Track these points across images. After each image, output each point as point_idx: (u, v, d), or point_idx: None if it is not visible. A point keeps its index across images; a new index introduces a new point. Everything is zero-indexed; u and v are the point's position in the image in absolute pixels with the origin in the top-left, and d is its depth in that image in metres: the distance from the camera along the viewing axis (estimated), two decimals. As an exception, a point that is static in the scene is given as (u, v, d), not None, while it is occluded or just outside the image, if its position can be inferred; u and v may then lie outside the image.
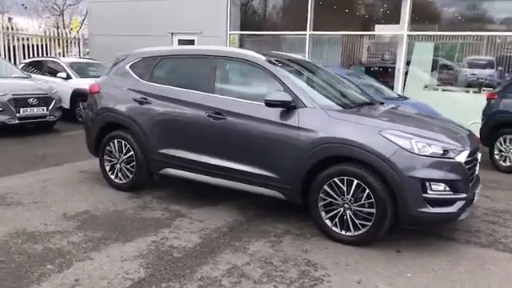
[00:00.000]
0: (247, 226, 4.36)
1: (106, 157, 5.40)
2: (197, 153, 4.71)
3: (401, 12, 10.39)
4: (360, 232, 3.91)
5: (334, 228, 4.03)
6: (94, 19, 14.92)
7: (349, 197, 3.91)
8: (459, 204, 3.80)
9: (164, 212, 4.66)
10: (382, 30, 11.91)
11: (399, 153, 3.72)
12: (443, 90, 10.88)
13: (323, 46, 11.37)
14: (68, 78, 11.09)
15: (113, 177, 5.36)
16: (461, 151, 3.85)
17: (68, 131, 9.66)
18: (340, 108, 4.32)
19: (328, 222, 4.06)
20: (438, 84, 11.23)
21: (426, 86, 11.01)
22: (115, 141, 5.27)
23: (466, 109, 9.02)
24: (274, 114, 4.26)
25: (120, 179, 5.30)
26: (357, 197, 3.88)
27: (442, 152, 3.77)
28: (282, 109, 4.23)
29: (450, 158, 3.78)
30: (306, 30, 11.18)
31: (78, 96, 10.79)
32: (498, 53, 10.73)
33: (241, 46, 12.38)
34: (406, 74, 10.78)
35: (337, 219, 4.01)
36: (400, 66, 10.53)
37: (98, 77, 11.46)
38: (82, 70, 11.69)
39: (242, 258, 3.66)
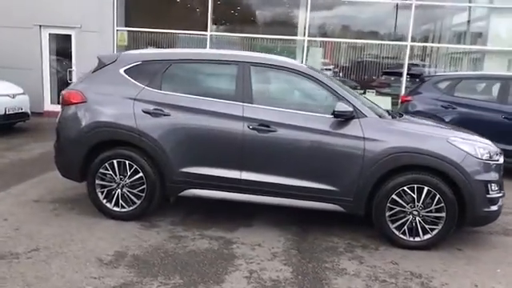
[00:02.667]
0: (308, 245, 4.12)
1: (98, 181, 4.40)
2: (235, 169, 4.23)
3: (299, 19, 10.93)
4: (429, 236, 4.08)
5: (402, 236, 4.11)
6: None
7: (419, 204, 4.03)
8: (501, 201, 4.28)
9: (210, 241, 4.07)
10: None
11: (467, 158, 4.00)
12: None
13: (223, 48, 11.15)
14: None
15: (109, 205, 4.42)
16: (500, 153, 4.33)
17: None
18: (389, 117, 4.39)
19: (395, 231, 4.11)
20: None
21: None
22: (114, 161, 4.35)
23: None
24: (330, 124, 4.12)
25: (122, 207, 4.40)
26: (426, 203, 4.03)
27: (491, 155, 4.17)
28: (338, 119, 4.12)
29: (497, 160, 4.21)
30: (206, 30, 10.85)
31: None
32: (359, 57, 11.91)
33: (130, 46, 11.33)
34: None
35: (405, 227, 4.09)
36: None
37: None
38: None
39: (354, 280, 3.47)
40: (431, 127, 4.38)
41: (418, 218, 4.06)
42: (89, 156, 4.39)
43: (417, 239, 4.10)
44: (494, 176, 4.11)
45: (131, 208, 4.39)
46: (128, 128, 4.28)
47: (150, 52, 4.73)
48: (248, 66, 4.33)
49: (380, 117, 4.24)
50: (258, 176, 4.21)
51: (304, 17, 10.79)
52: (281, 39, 11.10)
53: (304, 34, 10.76)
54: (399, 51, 11.00)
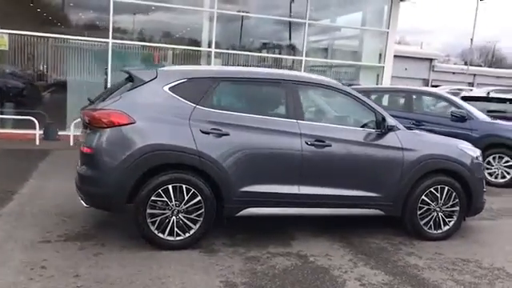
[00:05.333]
0: (364, 248, 4.48)
1: (149, 210, 4.02)
2: (293, 185, 4.37)
3: (203, 31, 11.03)
4: (448, 228, 4.88)
5: (428, 230, 4.82)
6: None
7: (441, 201, 4.80)
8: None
9: (285, 257, 4.12)
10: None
11: (473, 161, 4.92)
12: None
13: (126, 58, 10.48)
14: None
15: (162, 235, 4.06)
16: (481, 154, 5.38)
17: None
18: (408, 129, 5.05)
19: (424, 227, 4.80)
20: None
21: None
22: (170, 187, 4.03)
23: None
24: (373, 137, 4.60)
25: (177, 235, 4.10)
26: (446, 200, 4.82)
27: (478, 156, 5.18)
28: (375, 132, 4.62)
29: (482, 160, 5.25)
30: (108, 37, 10.07)
31: None
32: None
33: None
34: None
35: (431, 222, 4.81)
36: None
37: None
38: None
39: (435, 272, 4.00)
40: (441, 136, 5.21)
41: (440, 214, 4.82)
42: (138, 183, 3.97)
43: (439, 231, 4.85)
44: (484, 173, 5.14)
45: (188, 235, 4.12)
46: (189, 150, 4.02)
47: (194, 69, 4.48)
48: (295, 84, 4.49)
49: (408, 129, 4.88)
50: (315, 189, 4.42)
51: (208, 29, 10.92)
52: (187, 49, 11.01)
53: (209, 46, 10.88)
54: (292, 64, 12.01)
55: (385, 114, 4.69)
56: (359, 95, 4.74)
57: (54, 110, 10.45)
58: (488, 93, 11.01)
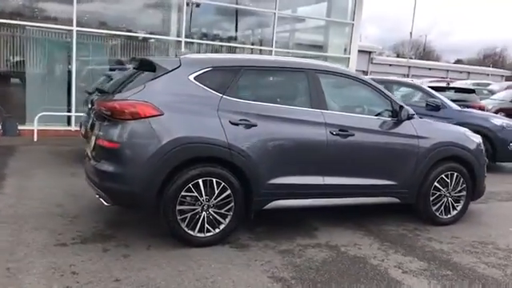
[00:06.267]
0: (387, 236, 4.52)
1: (179, 207, 3.80)
2: (318, 175, 4.32)
3: (172, 20, 10.62)
4: (456, 212, 5.04)
5: (439, 215, 4.95)
6: None
7: (451, 187, 4.95)
8: None
9: (319, 249, 4.06)
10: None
11: (477, 147, 5.11)
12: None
13: (88, 47, 9.85)
14: None
15: (192, 232, 3.86)
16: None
17: None
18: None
19: (436, 213, 4.93)
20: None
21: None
22: (200, 181, 3.83)
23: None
24: (391, 125, 4.64)
25: (208, 231, 3.91)
26: (455, 185, 4.98)
27: (480, 143, 5.37)
28: (393, 121, 4.67)
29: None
30: (72, 24, 9.41)
31: None
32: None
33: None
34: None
35: (442, 207, 4.95)
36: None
37: None
38: None
39: (463, 256, 4.11)
40: (449, 124, 5.35)
41: (450, 199, 4.97)
42: (168, 178, 3.74)
43: (449, 216, 5.00)
44: (485, 159, 5.35)
45: (218, 230, 3.95)
46: (220, 143, 3.83)
47: (218, 57, 4.28)
48: (317, 73, 4.41)
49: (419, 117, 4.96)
50: (338, 179, 4.39)
51: (177, 18, 10.55)
52: (155, 39, 10.57)
53: (179, 35, 10.52)
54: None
55: (401, 102, 4.74)
56: (376, 84, 4.76)
57: (11, 104, 9.65)
58: (448, 83, 11.54)
